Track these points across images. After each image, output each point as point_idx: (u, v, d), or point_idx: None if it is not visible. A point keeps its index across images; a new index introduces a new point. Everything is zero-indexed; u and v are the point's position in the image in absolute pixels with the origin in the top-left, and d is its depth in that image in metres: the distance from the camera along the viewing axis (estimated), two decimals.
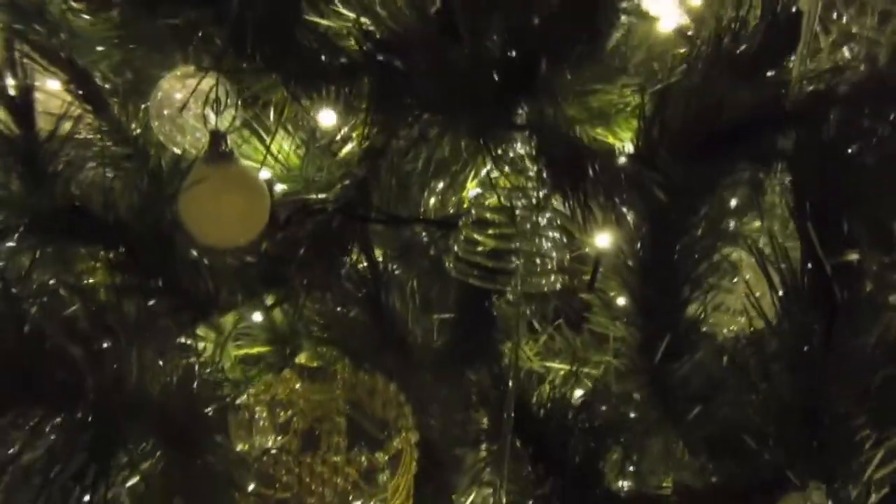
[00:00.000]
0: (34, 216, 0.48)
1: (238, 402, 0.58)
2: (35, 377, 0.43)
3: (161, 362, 0.50)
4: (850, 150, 0.50)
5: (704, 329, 0.64)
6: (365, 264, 0.66)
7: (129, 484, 0.51)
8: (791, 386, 0.48)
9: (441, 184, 0.60)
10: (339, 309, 0.69)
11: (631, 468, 0.67)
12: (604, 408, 0.70)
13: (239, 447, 0.58)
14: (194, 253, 0.53)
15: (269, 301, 0.80)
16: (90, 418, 0.43)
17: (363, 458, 0.64)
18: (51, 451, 0.44)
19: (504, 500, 0.58)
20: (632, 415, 0.67)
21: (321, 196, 0.63)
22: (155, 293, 0.52)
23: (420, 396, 0.75)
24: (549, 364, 0.83)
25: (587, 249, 0.81)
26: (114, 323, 0.46)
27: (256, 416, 0.58)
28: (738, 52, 0.54)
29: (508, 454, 0.59)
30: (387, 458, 0.66)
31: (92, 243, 0.51)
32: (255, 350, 0.87)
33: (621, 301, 0.67)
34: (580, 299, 0.80)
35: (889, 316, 0.48)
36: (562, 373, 0.77)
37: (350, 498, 0.65)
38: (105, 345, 0.45)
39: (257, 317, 0.86)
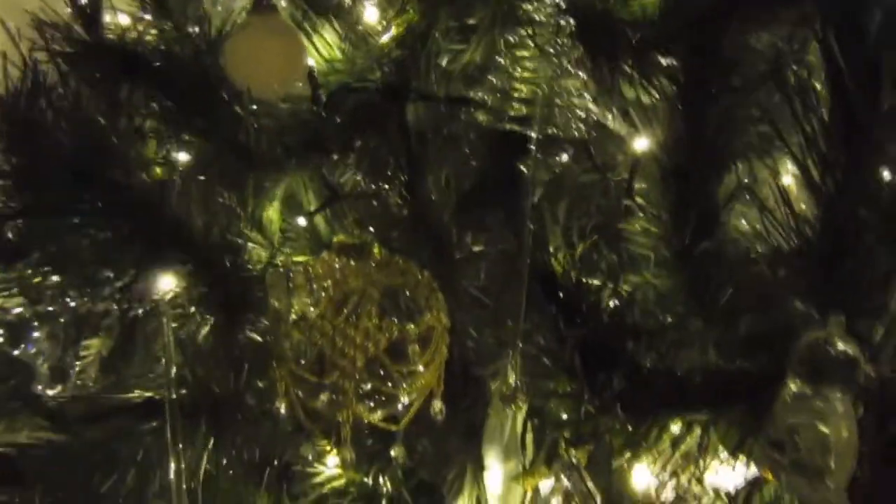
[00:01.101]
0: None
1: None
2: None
3: (206, 203, 0.54)
4: None
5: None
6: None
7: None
8: (814, 223, 0.48)
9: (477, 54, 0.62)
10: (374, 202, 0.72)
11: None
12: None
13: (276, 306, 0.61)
14: (239, 110, 0.57)
15: (311, 207, 0.85)
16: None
17: (394, 328, 0.67)
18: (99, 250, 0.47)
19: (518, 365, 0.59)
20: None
21: (362, 80, 0.67)
22: (200, 137, 0.56)
23: (454, 291, 0.77)
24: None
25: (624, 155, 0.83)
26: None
27: (293, 280, 0.61)
28: None
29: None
30: (417, 331, 0.68)
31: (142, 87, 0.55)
32: (298, 258, 0.90)
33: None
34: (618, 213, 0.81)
35: None
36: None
37: (380, 367, 0.68)
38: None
39: (301, 221, 0.90)
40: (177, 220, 0.54)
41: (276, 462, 0.87)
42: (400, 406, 0.73)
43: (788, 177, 0.55)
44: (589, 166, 0.82)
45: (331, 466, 0.96)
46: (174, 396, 0.56)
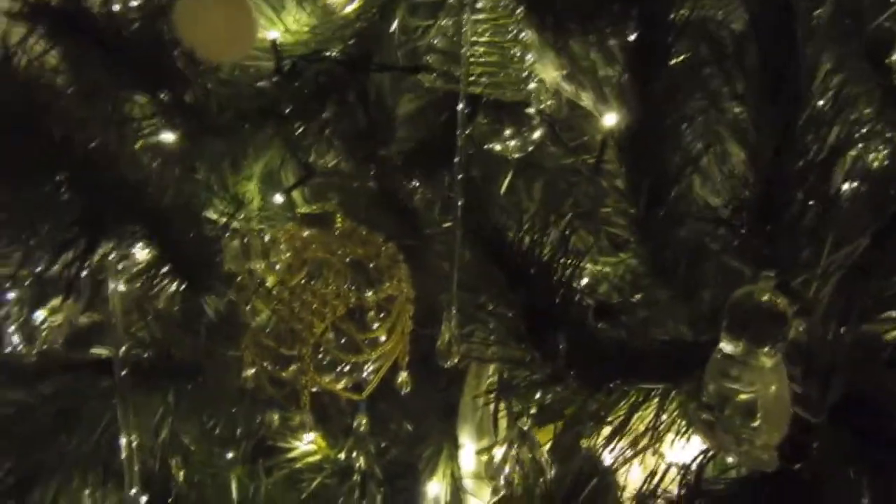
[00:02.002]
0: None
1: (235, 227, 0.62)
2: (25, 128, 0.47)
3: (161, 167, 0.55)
4: None
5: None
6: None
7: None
8: (751, 183, 0.48)
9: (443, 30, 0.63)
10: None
11: None
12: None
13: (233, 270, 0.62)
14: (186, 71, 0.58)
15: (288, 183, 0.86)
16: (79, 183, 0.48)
17: (352, 296, 0.67)
18: (40, 210, 0.48)
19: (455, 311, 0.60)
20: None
21: (323, 51, 0.68)
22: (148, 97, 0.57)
23: (419, 264, 0.78)
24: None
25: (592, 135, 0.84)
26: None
27: (249, 245, 0.62)
28: None
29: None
30: (376, 299, 0.69)
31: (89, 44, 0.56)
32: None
33: None
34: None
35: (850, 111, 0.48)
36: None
37: (340, 335, 0.68)
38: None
39: (278, 199, 0.91)
40: (134, 182, 0.55)
41: (249, 435, 0.89)
42: (364, 374, 0.74)
43: (728, 141, 0.55)
44: (559, 146, 0.83)
45: (305, 443, 0.97)
46: (120, 354, 0.57)
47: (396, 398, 0.92)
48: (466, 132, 0.58)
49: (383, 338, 0.70)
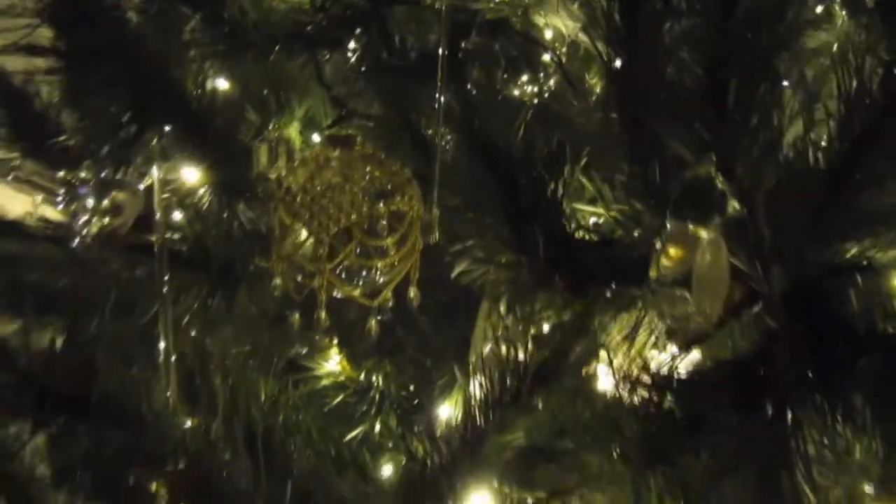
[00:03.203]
0: None
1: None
2: None
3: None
4: None
5: None
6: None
7: None
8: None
9: None
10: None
11: None
12: None
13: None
14: None
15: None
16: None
17: (365, 204, 0.75)
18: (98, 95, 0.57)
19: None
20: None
21: None
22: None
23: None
24: None
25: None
26: None
27: (276, 151, 0.71)
28: None
29: None
30: (387, 210, 0.76)
31: None
32: None
33: None
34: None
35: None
36: None
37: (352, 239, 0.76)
38: None
39: (316, 138, 1.00)
40: (177, 83, 0.64)
41: (279, 351, 0.98)
42: (378, 281, 0.81)
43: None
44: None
45: (332, 364, 1.05)
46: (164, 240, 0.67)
47: (415, 331, 1.00)
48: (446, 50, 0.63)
49: (391, 245, 0.78)
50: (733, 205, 0.51)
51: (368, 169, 0.80)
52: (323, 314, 0.77)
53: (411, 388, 0.96)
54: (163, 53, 0.64)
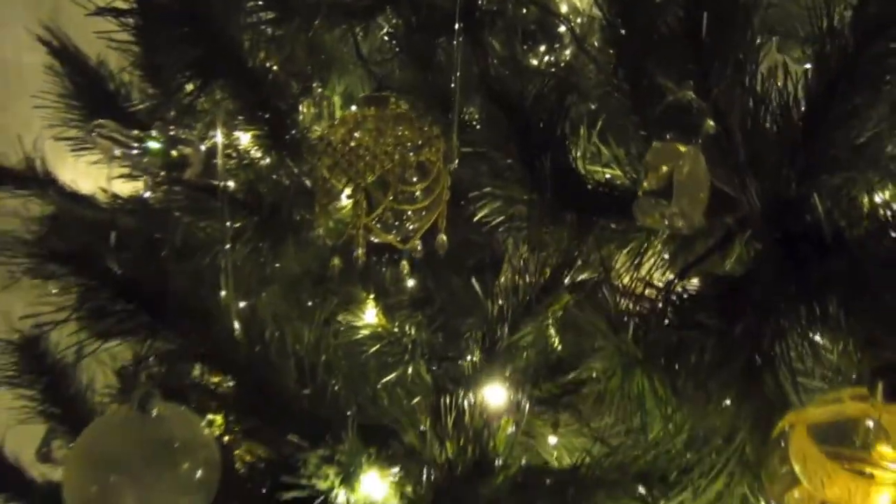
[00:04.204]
0: None
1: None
2: None
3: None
4: None
5: None
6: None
7: None
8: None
9: None
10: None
11: None
12: None
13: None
14: None
15: None
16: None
17: (396, 153, 0.84)
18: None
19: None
20: None
21: None
22: None
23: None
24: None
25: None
26: None
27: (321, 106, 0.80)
28: None
29: None
30: (415, 160, 0.85)
31: None
32: None
33: None
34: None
35: None
36: None
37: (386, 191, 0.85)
38: None
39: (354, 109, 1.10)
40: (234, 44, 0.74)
41: (321, 303, 1.07)
42: (409, 227, 0.90)
43: None
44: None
45: (369, 316, 1.15)
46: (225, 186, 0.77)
47: (445, 286, 1.09)
48: None
49: (419, 194, 0.86)
50: (709, 123, 0.59)
51: (400, 126, 0.90)
52: (361, 251, 0.87)
53: (440, 338, 1.04)
54: (224, 13, 0.74)
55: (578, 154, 0.78)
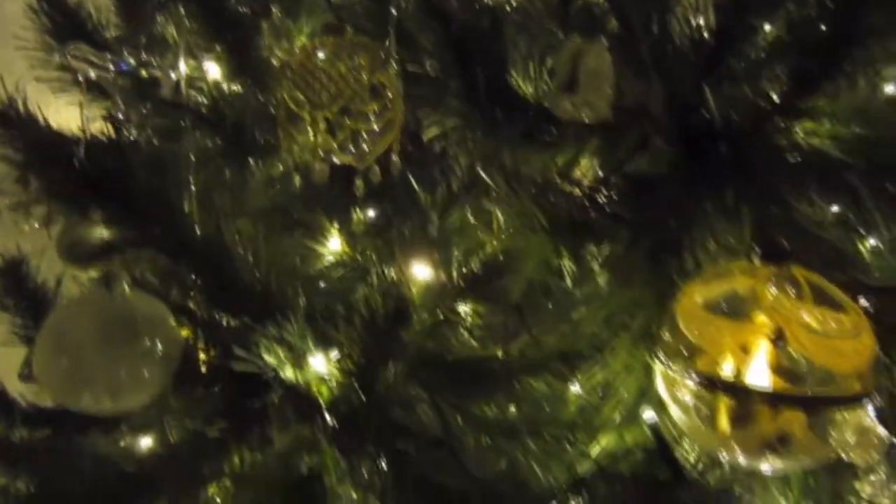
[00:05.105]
0: None
1: None
2: None
3: None
4: None
5: None
6: None
7: None
8: None
9: None
10: None
11: None
12: None
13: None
14: None
15: None
16: None
17: (350, 76, 0.91)
18: None
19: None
20: None
21: None
22: None
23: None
24: None
25: None
26: None
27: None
28: None
29: None
30: (368, 82, 0.92)
31: None
32: None
33: None
34: None
35: None
36: None
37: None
38: None
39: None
40: None
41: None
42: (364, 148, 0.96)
43: None
44: None
45: (333, 244, 1.22)
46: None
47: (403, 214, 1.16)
48: None
49: (373, 117, 0.93)
50: (613, 22, 0.66)
51: (356, 51, 0.96)
52: (319, 166, 0.93)
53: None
54: None
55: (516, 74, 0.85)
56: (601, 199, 0.75)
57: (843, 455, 0.69)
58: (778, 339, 0.58)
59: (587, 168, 0.84)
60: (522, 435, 0.87)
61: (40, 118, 0.80)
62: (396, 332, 0.69)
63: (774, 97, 0.68)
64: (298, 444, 0.77)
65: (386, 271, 1.08)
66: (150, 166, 0.74)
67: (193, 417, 0.73)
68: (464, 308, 0.87)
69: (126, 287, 0.73)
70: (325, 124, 0.95)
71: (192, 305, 0.77)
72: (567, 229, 0.71)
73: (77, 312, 0.74)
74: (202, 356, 0.77)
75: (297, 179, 0.98)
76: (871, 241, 0.72)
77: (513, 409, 0.90)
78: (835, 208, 0.70)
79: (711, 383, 0.61)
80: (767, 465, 0.61)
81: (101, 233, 0.86)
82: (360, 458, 0.71)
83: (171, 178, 0.77)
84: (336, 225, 1.17)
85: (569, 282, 0.72)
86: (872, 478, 0.70)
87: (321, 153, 0.94)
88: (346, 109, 0.95)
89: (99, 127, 1.11)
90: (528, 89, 0.85)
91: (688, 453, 0.63)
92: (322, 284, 1.11)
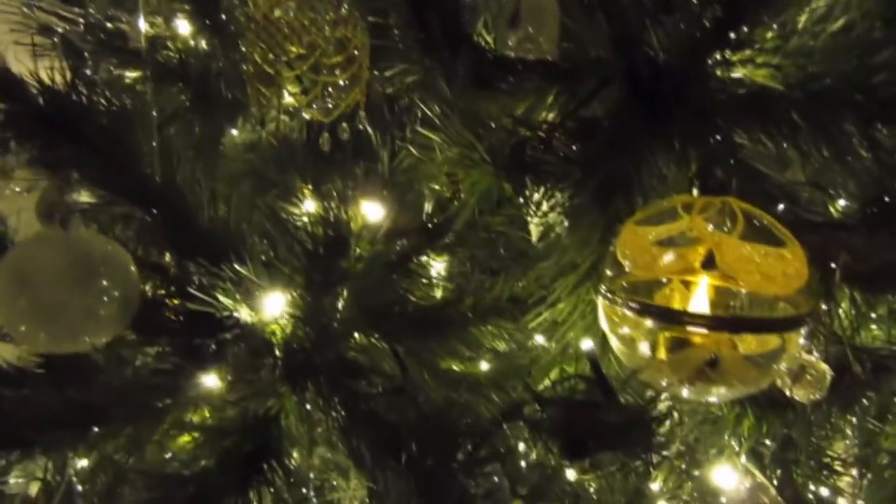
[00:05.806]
0: None
1: None
2: None
3: None
4: None
5: None
6: None
7: None
8: None
9: None
10: None
11: None
12: None
13: None
14: None
15: None
16: None
17: (315, 30, 0.92)
18: None
19: None
20: None
21: None
22: None
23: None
24: None
25: None
26: None
27: None
28: None
29: None
30: (333, 36, 0.93)
31: None
32: None
33: None
34: None
35: None
36: None
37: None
38: None
39: None
40: None
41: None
42: (329, 103, 0.97)
43: None
44: None
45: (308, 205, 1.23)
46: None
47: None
48: None
49: (338, 71, 0.94)
50: None
51: (319, 3, 0.98)
52: (282, 116, 0.95)
53: None
54: None
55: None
56: (554, 142, 0.76)
57: (785, 390, 0.70)
58: (708, 263, 0.59)
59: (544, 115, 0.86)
60: (486, 388, 0.89)
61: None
62: (336, 261, 0.70)
63: (707, 24, 0.68)
64: (256, 385, 0.79)
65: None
66: (114, 115, 0.75)
67: (148, 355, 0.74)
68: (423, 257, 0.89)
69: (83, 228, 0.74)
70: (297, 82, 0.96)
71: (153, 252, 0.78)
72: (512, 166, 0.71)
73: (34, 251, 0.75)
74: (162, 300, 0.78)
75: (264, 135, 1.00)
76: None
77: (483, 366, 0.91)
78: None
79: (647, 310, 0.61)
80: (703, 392, 0.62)
81: (80, 196, 0.88)
82: (312, 395, 0.72)
83: (134, 128, 0.78)
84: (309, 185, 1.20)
85: (534, 237, 0.73)
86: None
87: (290, 109, 0.95)
88: (315, 66, 0.97)
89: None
90: (486, 38, 0.86)
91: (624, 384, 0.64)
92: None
